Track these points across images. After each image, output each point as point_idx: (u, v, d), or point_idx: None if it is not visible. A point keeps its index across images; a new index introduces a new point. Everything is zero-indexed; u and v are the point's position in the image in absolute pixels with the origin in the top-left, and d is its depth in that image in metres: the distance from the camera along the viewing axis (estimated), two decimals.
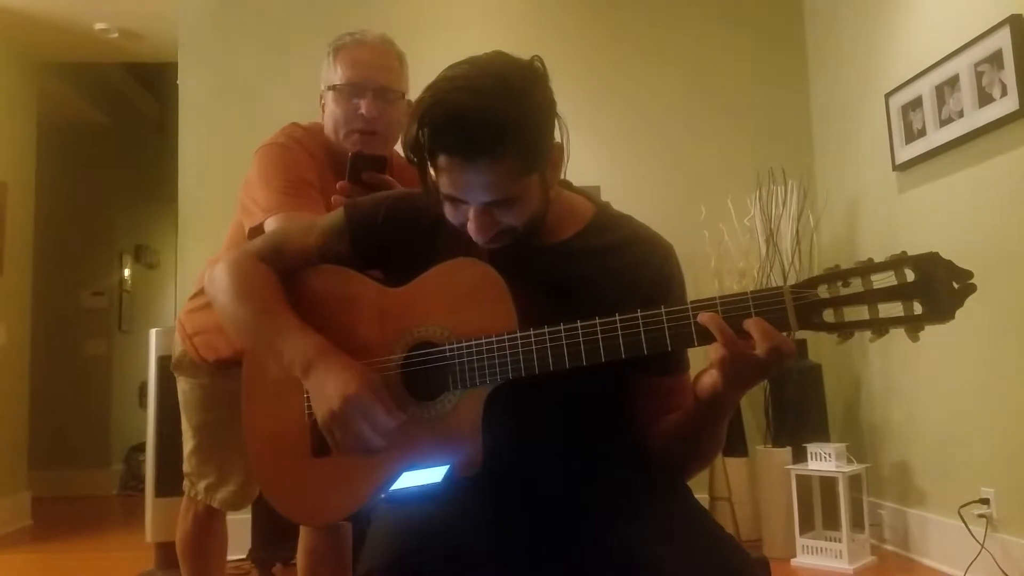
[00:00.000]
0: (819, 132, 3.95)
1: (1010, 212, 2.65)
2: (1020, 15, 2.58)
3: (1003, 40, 2.62)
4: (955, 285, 0.95)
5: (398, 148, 1.87)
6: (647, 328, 1.06)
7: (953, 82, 2.89)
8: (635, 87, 3.96)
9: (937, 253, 0.95)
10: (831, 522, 3.23)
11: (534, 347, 1.10)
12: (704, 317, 1.03)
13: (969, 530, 2.75)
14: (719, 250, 3.62)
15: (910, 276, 0.96)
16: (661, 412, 1.22)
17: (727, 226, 3.64)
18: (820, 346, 3.55)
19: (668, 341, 1.06)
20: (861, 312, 0.98)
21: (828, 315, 1.00)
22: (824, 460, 3.17)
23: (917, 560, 3.16)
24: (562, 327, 1.10)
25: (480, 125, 1.05)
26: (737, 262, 3.57)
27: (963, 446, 2.91)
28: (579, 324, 1.09)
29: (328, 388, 1.12)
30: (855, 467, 3.19)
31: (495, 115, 1.06)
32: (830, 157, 3.85)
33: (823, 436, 3.43)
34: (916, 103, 3.10)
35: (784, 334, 1.01)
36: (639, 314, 1.07)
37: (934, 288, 0.95)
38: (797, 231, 3.54)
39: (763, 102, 3.97)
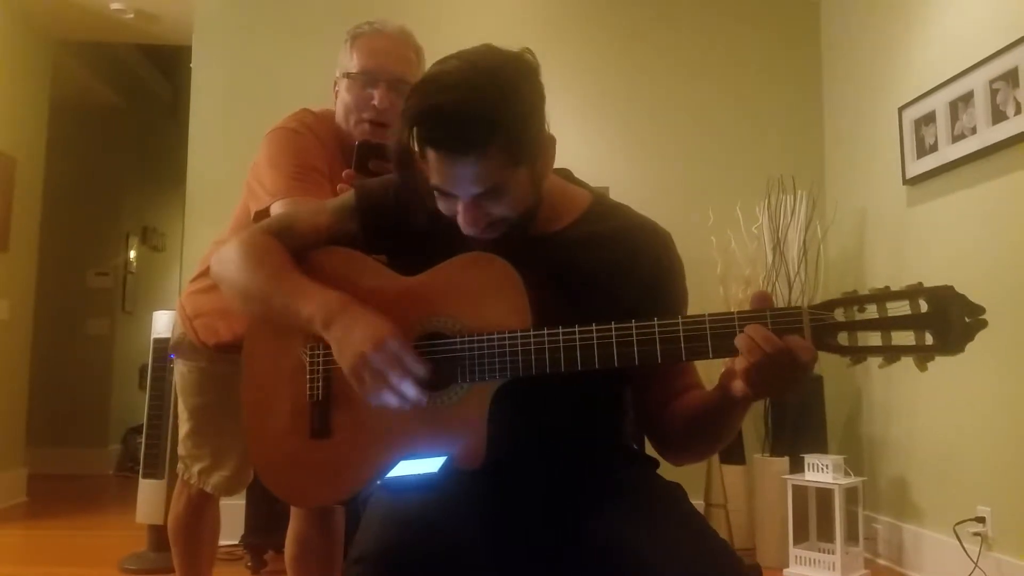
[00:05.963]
0: (830, 143, 3.93)
1: (1018, 231, 2.64)
2: None
3: (1019, 58, 2.61)
4: (967, 319, 0.97)
5: None
6: (663, 337, 1.06)
7: (967, 98, 2.87)
8: (647, 89, 3.96)
9: (952, 287, 0.97)
10: (825, 534, 3.22)
11: (547, 347, 1.10)
12: (742, 340, 1.02)
13: (964, 548, 2.74)
14: (725, 256, 3.61)
15: (924, 307, 0.98)
16: (670, 394, 1.22)
17: (735, 233, 3.63)
18: (822, 357, 3.51)
19: (683, 352, 1.06)
20: (874, 337, 1.00)
21: (842, 338, 1.02)
22: (821, 471, 3.16)
23: None
24: (576, 329, 1.09)
25: (465, 121, 1.06)
26: (743, 269, 3.56)
27: (961, 464, 2.90)
28: (594, 327, 1.09)
29: (356, 335, 1.10)
30: (852, 480, 3.18)
31: (480, 111, 1.06)
32: (840, 168, 3.83)
33: (821, 447, 3.42)
34: (929, 118, 3.09)
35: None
36: (655, 322, 1.07)
37: (947, 320, 0.97)
38: (804, 241, 3.53)
39: (776, 110, 3.96)
